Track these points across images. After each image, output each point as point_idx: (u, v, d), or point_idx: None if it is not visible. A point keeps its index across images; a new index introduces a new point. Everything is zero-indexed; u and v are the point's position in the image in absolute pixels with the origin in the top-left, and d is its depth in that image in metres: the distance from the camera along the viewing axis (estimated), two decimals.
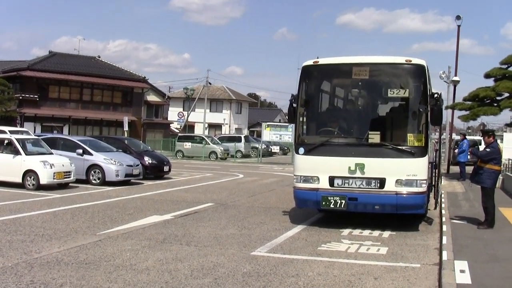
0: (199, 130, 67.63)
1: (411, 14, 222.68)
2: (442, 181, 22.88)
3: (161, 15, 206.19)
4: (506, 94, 26.79)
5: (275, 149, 53.23)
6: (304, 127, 13.36)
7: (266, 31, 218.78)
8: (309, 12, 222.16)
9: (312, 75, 13.32)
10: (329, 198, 12.31)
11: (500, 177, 20.86)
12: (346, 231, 12.39)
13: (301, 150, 12.81)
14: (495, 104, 27.13)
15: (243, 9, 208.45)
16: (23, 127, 40.19)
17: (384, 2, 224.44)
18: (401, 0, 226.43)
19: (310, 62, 13.16)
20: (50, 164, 19.09)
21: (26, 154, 19.36)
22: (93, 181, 21.41)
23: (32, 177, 18.98)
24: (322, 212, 14.46)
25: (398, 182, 12.03)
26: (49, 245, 10.16)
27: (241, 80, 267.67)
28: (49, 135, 26.38)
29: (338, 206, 12.27)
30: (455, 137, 40.39)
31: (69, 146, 22.37)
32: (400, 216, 13.01)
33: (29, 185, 18.96)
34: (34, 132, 37.75)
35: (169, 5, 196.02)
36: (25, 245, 10.08)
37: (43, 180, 18.88)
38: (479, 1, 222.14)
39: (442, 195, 18.68)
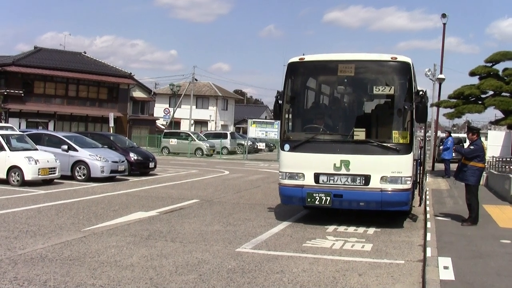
0: (185, 127, 67.56)
1: (398, 12, 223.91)
2: (427, 178, 23.03)
3: (148, 11, 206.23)
4: (491, 92, 26.99)
5: (261, 145, 53.32)
6: (290, 124, 13.35)
7: (253, 28, 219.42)
8: (296, 9, 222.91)
9: (297, 72, 13.32)
10: (314, 194, 12.33)
11: (484, 174, 21.00)
12: (331, 228, 12.42)
13: (287, 146, 12.82)
14: (480, 102, 27.32)
15: (231, 6, 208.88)
16: (8, 122, 40.02)
17: (371, 0, 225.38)
18: None
19: (296, 59, 13.16)
20: (34, 160, 19.01)
21: (10, 150, 19.25)
22: (78, 177, 21.32)
23: (17, 173, 18.88)
24: (308, 209, 14.52)
25: (383, 179, 12.08)
26: (33, 242, 10.11)
27: (227, 76, 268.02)
28: (34, 131, 26.23)
29: (323, 202, 12.30)
30: (440, 134, 40.60)
31: (54, 142, 22.24)
32: (385, 213, 13.06)
33: (13, 181, 18.86)
34: (19, 128, 37.54)
35: (156, 1, 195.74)
36: (9, 242, 10.02)
37: (28, 176, 18.80)
38: (466, 0, 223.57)
39: (427, 192, 18.80)
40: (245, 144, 48.27)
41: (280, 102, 13.05)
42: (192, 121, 67.83)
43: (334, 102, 14.43)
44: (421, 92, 12.42)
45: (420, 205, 15.38)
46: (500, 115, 29.81)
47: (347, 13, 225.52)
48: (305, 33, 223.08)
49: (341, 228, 12.43)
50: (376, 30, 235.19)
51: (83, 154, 21.64)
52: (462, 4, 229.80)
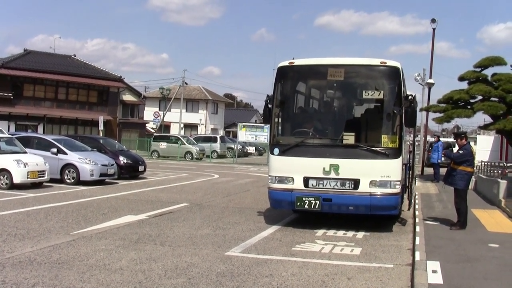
0: (175, 130, 67.50)
1: (390, 16, 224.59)
2: (416, 182, 23.10)
3: (140, 14, 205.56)
4: (480, 97, 27.06)
5: (251, 149, 53.37)
6: (279, 127, 13.37)
7: (245, 32, 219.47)
8: (288, 13, 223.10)
9: (287, 76, 13.34)
10: (303, 198, 12.34)
11: (473, 178, 21.09)
12: (320, 232, 12.45)
13: (276, 150, 12.83)
14: (469, 107, 27.39)
15: (223, 10, 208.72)
16: None
17: (364, 4, 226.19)
18: (380, 3, 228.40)
19: (285, 63, 13.18)
20: (23, 163, 18.93)
21: None
22: (68, 181, 21.25)
23: (5, 176, 18.80)
24: (297, 213, 14.51)
25: (372, 183, 12.10)
26: (22, 245, 10.08)
27: (218, 80, 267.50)
28: (23, 134, 26.08)
29: (312, 206, 12.31)
30: (430, 139, 40.74)
31: (44, 145, 22.16)
32: (374, 217, 13.10)
33: (2, 184, 18.78)
34: (8, 130, 37.38)
35: (148, 4, 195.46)
36: None
37: (17, 179, 18.72)
38: (458, 6, 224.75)
39: (416, 197, 18.86)
40: (235, 148, 48.25)
41: (269, 106, 13.07)
42: (182, 125, 67.74)
43: (324, 106, 14.47)
44: (410, 97, 12.47)
45: (409, 209, 15.42)
46: (489, 119, 29.90)
47: (339, 17, 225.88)
48: (297, 37, 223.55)
49: (331, 232, 12.46)
50: (368, 35, 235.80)
51: (72, 157, 21.58)
52: (454, 9, 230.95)
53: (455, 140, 14.01)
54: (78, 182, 21.17)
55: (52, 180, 20.55)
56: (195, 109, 77.91)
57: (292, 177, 12.59)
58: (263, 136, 42.49)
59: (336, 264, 9.50)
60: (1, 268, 8.36)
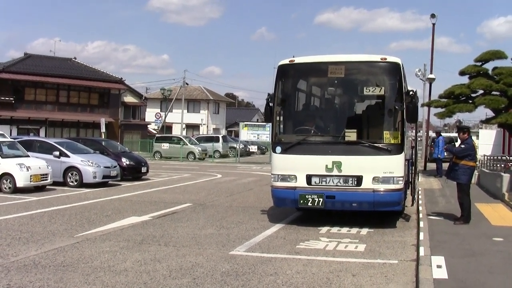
0: (176, 131, 67.49)
1: (390, 13, 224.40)
2: (419, 178, 23.08)
3: (140, 16, 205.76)
4: (481, 91, 27.03)
5: (253, 148, 53.27)
6: (281, 126, 13.35)
7: (245, 32, 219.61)
8: (288, 12, 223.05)
9: (288, 74, 13.33)
10: (306, 196, 12.34)
11: (476, 173, 21.06)
12: (324, 229, 12.44)
13: (278, 149, 12.83)
14: (470, 101, 27.35)
15: (223, 10, 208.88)
16: None
17: (363, 1, 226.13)
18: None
19: (286, 61, 13.17)
20: (26, 167, 18.95)
21: (2, 157, 19.20)
22: (71, 183, 21.27)
23: (9, 180, 18.82)
24: (300, 211, 14.51)
25: (375, 179, 12.10)
26: (26, 248, 10.09)
27: (219, 80, 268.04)
28: (26, 138, 26.14)
29: (315, 204, 12.31)
30: (432, 134, 40.72)
31: (46, 149, 22.19)
32: (377, 213, 13.08)
33: (5, 188, 18.79)
34: (10, 135, 37.41)
35: (148, 5, 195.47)
36: (2, 249, 9.99)
37: (20, 183, 18.74)
38: (457, 0, 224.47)
39: (419, 192, 18.85)
40: (237, 147, 48.25)
41: (271, 104, 13.07)
42: (184, 125, 67.76)
43: (325, 104, 14.44)
44: (411, 92, 12.46)
45: (412, 204, 15.41)
46: (490, 114, 29.91)
47: (339, 14, 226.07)
48: (297, 35, 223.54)
49: (334, 229, 12.45)
50: (368, 31, 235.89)
51: (75, 160, 21.60)
52: (454, 4, 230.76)
53: (457, 134, 14.00)
54: (81, 184, 21.19)
55: (55, 183, 20.58)
56: (196, 109, 77.97)
57: (295, 175, 12.58)
58: (265, 135, 42.50)
59: (341, 261, 9.50)
60: (6, 272, 8.37)
